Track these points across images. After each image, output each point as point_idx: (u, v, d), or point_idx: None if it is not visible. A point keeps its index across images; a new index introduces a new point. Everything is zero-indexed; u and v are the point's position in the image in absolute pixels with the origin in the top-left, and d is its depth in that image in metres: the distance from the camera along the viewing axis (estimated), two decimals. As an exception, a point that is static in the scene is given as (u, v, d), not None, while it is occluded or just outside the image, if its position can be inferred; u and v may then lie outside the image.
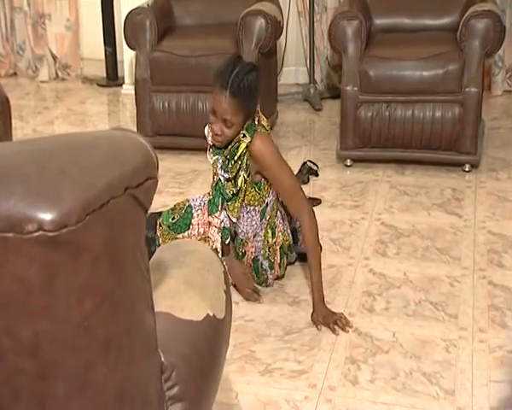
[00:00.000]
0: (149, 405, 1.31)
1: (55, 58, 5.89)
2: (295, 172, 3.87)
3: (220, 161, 2.75)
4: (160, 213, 2.98)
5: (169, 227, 2.92)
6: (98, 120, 5.10)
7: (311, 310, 2.71)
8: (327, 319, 2.65)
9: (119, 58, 5.61)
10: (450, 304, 2.76)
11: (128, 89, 5.34)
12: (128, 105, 5.23)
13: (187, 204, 2.94)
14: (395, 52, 3.90)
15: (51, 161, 1.11)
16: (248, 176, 2.74)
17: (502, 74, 5.05)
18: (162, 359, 1.35)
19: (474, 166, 3.92)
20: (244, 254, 2.89)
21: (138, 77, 4.20)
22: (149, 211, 1.26)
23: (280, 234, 2.89)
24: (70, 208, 1.05)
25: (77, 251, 1.08)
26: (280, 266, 2.93)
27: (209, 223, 2.88)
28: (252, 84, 2.62)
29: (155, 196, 1.27)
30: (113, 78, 5.70)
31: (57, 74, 5.92)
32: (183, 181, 3.92)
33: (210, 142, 2.77)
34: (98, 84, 5.72)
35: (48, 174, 1.08)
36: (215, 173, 2.80)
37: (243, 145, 2.68)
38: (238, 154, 2.69)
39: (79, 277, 1.09)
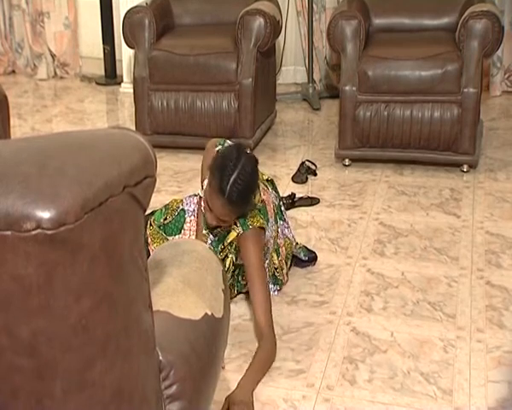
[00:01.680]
0: (147, 403, 1.31)
1: (53, 56, 5.89)
2: (294, 172, 3.93)
3: (211, 236, 2.67)
4: (152, 213, 2.86)
5: (159, 227, 2.79)
6: (97, 118, 5.09)
7: (310, 310, 2.70)
8: (241, 407, 2.19)
9: (117, 57, 5.61)
10: (447, 304, 2.76)
11: (127, 87, 5.34)
12: (126, 104, 5.22)
13: (181, 207, 2.81)
14: (394, 52, 3.90)
15: (50, 159, 1.11)
16: (236, 259, 2.65)
17: (500, 75, 5.05)
18: (160, 357, 1.35)
19: (473, 166, 3.92)
20: (246, 284, 2.73)
21: (137, 75, 4.20)
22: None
23: (283, 248, 2.84)
24: (68, 207, 1.04)
25: (75, 250, 1.07)
26: (287, 274, 2.90)
27: None
28: (250, 192, 2.48)
29: (154, 194, 1.27)
30: (111, 76, 5.70)
31: (56, 72, 5.92)
32: (182, 180, 3.92)
33: (203, 209, 2.61)
34: (97, 83, 5.72)
35: (46, 173, 1.08)
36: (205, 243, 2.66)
37: (234, 234, 2.57)
38: (228, 241, 2.60)
39: (77, 275, 1.09)
